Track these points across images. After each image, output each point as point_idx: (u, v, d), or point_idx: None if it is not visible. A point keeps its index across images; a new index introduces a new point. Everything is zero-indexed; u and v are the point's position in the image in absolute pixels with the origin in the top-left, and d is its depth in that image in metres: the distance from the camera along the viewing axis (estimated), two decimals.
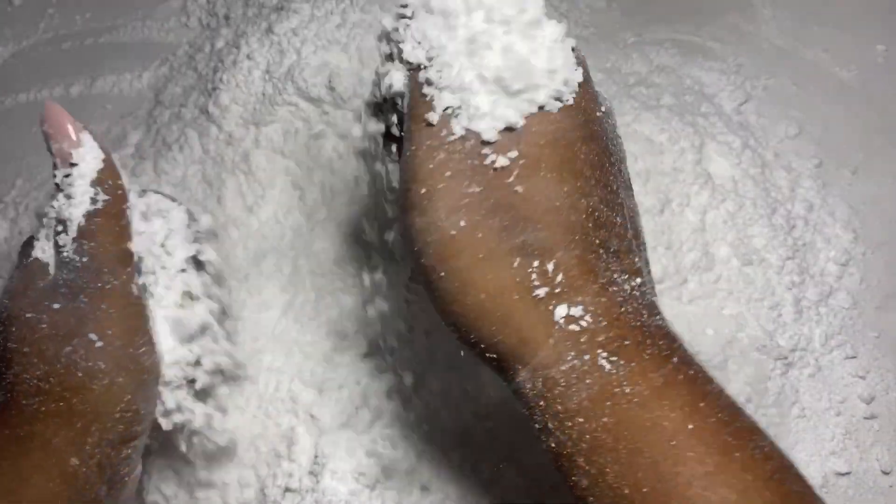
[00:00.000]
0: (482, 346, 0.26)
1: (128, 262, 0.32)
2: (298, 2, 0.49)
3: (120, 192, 0.33)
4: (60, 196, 0.32)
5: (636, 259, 0.27)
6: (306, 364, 0.40)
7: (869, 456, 0.44)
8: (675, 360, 0.25)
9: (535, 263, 0.25)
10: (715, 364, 0.44)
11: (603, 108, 0.28)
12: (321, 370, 0.40)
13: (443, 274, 0.26)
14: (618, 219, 0.27)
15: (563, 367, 0.24)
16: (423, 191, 0.26)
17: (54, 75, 0.60)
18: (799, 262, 0.48)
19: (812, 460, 0.43)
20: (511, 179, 0.25)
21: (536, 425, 0.25)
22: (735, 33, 0.60)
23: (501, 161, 0.25)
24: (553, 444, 0.25)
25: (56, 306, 0.30)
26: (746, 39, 0.60)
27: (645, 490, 0.23)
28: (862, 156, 0.54)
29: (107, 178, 0.32)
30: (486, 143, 0.26)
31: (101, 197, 0.32)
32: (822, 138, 0.55)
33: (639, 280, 0.26)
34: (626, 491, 0.23)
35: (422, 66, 0.27)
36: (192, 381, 0.34)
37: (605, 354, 0.24)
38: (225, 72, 0.48)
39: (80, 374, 0.30)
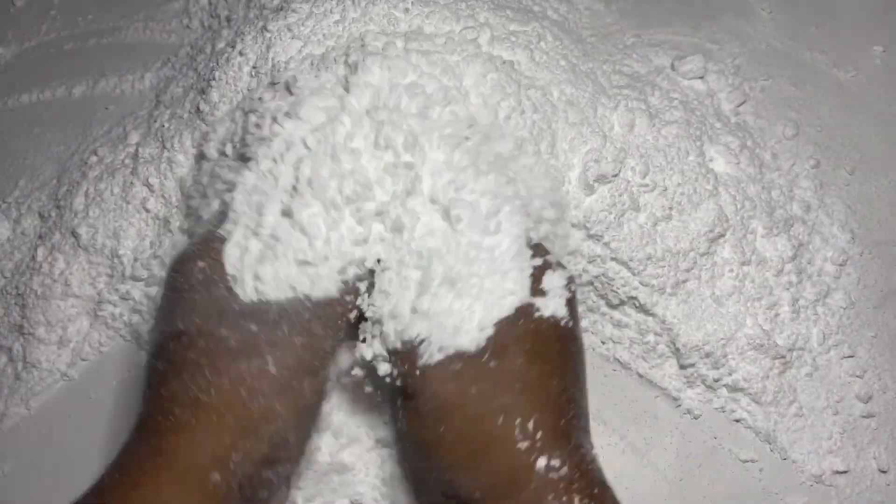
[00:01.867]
0: (471, 489, 0.31)
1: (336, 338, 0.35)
2: (298, 2, 0.49)
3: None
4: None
5: (590, 438, 0.34)
6: None
7: (866, 454, 0.44)
8: None
9: (518, 421, 0.31)
10: (713, 363, 0.44)
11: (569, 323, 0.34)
12: None
13: (441, 429, 0.31)
14: (582, 403, 0.34)
15: None
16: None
17: (56, 76, 0.61)
18: (797, 262, 0.48)
19: (810, 459, 0.43)
20: (491, 362, 0.32)
21: None
22: (733, 34, 0.61)
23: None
24: None
25: (253, 328, 0.32)
26: (744, 41, 0.60)
27: None
28: (859, 156, 0.55)
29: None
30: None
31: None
32: (820, 139, 0.55)
33: (594, 452, 0.33)
34: None
35: None
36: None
37: (579, 498, 0.30)
38: (218, 69, 0.48)
39: (242, 392, 0.31)
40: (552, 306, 0.33)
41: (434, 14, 0.46)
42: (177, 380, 0.31)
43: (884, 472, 0.44)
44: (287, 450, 0.33)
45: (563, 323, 0.34)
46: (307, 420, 0.35)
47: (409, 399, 0.33)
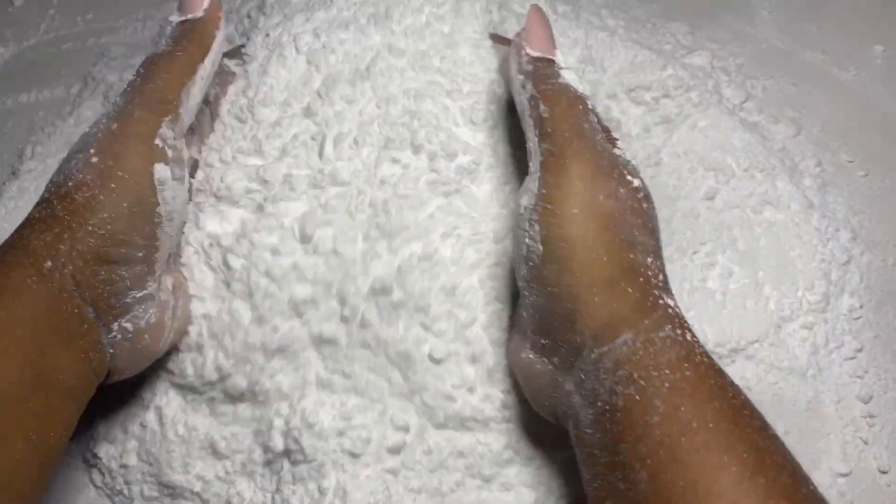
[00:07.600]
0: (596, 315, 0.32)
1: (167, 112, 0.35)
2: None
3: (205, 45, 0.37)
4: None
5: None
6: None
7: (867, 455, 0.44)
8: None
9: (649, 260, 0.33)
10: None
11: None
12: None
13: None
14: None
15: (660, 334, 0.31)
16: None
17: (55, 76, 0.60)
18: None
19: (810, 460, 0.43)
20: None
21: (606, 384, 0.31)
22: (734, 34, 0.61)
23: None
24: (628, 394, 0.30)
25: (102, 127, 0.34)
26: (745, 40, 0.60)
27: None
28: (860, 156, 0.55)
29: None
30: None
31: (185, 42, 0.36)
32: (821, 138, 0.55)
33: None
34: (695, 424, 0.29)
35: None
36: None
37: (689, 334, 0.32)
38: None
39: (69, 183, 0.33)
40: None
41: None
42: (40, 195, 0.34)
43: (884, 472, 0.43)
44: (121, 246, 0.33)
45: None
46: (143, 217, 0.34)
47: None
